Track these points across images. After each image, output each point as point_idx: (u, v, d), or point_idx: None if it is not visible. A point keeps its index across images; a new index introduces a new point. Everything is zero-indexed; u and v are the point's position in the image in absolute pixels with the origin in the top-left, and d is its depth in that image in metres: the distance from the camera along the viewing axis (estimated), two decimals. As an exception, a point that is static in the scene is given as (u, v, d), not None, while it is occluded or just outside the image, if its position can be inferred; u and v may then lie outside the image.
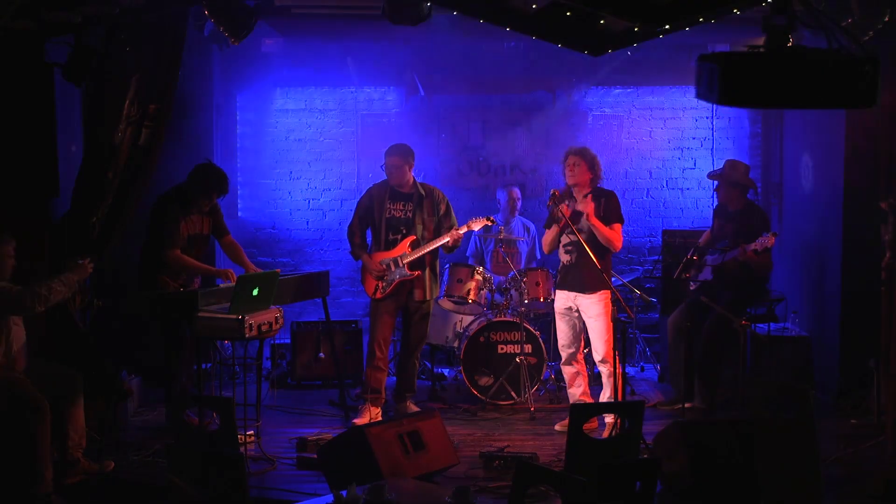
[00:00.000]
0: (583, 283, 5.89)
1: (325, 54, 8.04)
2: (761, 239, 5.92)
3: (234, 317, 5.01)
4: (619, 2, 4.52)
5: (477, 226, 6.33)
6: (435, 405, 6.54)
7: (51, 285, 4.70)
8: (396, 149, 6.26)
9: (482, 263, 7.47)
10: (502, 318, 6.72)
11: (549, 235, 6.08)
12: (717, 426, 5.02)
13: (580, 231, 5.77)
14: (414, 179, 6.31)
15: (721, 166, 6.73)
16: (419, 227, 6.22)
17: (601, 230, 5.83)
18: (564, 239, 5.99)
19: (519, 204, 7.71)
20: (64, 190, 5.66)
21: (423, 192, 6.26)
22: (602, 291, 5.86)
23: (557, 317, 6.10)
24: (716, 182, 6.62)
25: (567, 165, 5.98)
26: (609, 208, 5.94)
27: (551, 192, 5.94)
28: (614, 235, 5.89)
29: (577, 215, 5.88)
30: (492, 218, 6.38)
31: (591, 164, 5.94)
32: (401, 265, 6.16)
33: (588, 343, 6.13)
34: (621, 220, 5.98)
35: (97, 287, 5.98)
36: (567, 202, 5.93)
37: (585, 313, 5.94)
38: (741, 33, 6.95)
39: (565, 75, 8.33)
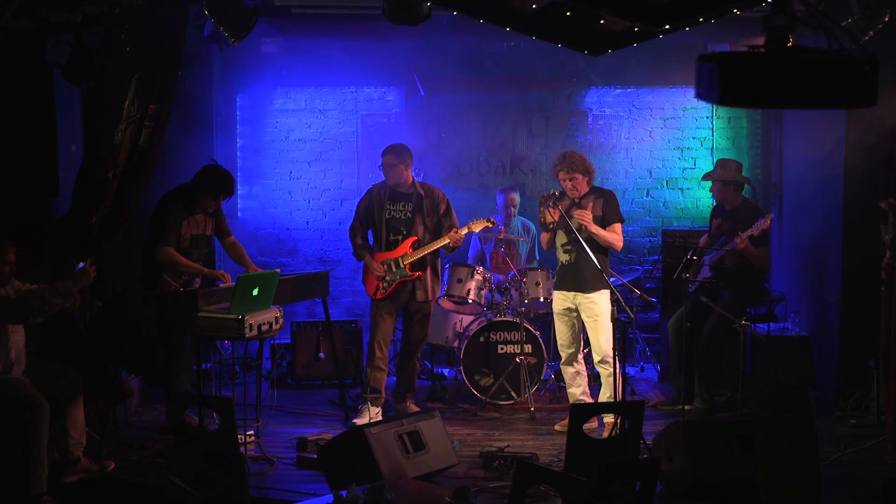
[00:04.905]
0: (582, 282, 5.89)
1: (325, 54, 8.04)
2: (757, 223, 5.94)
3: (234, 317, 5.01)
4: (619, 2, 4.51)
5: (478, 227, 6.33)
6: (435, 405, 6.54)
7: (45, 297, 4.62)
8: (392, 148, 6.28)
9: (483, 263, 7.47)
10: (502, 318, 6.72)
11: (545, 235, 6.08)
12: (717, 426, 5.03)
13: (578, 231, 5.76)
14: (413, 179, 6.31)
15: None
16: (420, 228, 6.21)
17: (601, 235, 5.82)
18: (563, 238, 5.98)
19: (513, 211, 7.63)
20: (64, 190, 5.66)
21: (421, 193, 6.26)
22: (601, 291, 5.85)
23: (556, 317, 6.09)
24: (711, 183, 6.64)
25: (561, 182, 5.92)
26: (608, 208, 5.93)
27: (549, 193, 5.90)
28: (614, 237, 5.88)
29: (570, 215, 5.85)
30: (492, 219, 6.38)
31: (585, 170, 5.90)
32: (402, 266, 6.16)
33: (587, 343, 6.12)
34: (621, 220, 5.97)
35: (97, 287, 5.97)
36: (558, 204, 5.87)
37: (584, 313, 5.94)
38: (741, 33, 6.96)
39: (565, 75, 8.34)
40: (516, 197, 7.68)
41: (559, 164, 5.92)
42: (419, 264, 6.19)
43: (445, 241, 6.16)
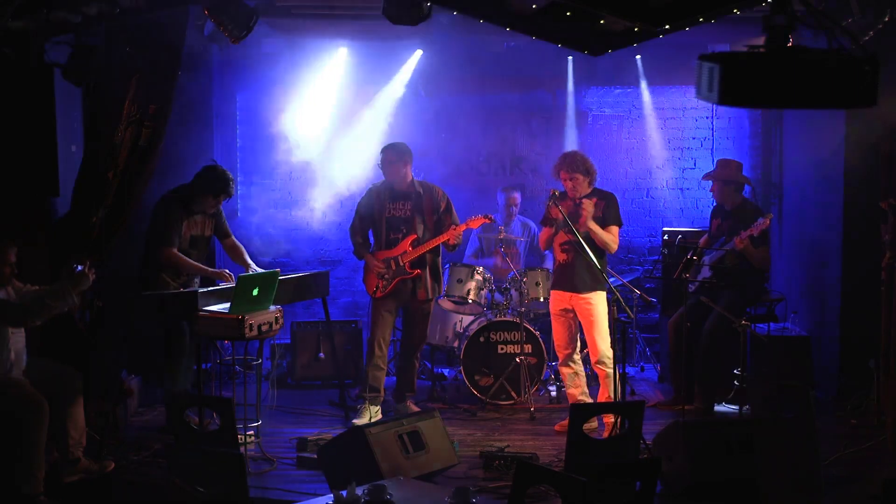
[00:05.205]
0: (579, 283, 5.89)
1: (325, 54, 8.03)
2: (756, 223, 5.95)
3: (234, 317, 5.01)
4: (619, 2, 4.51)
5: (476, 224, 6.35)
6: (435, 405, 6.53)
7: (44, 301, 4.60)
8: (391, 146, 6.29)
9: (483, 263, 7.47)
10: (502, 318, 6.71)
11: (545, 234, 6.09)
12: (717, 426, 5.03)
13: (578, 231, 5.76)
14: (412, 178, 6.31)
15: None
16: (419, 226, 6.22)
17: (598, 233, 5.83)
18: (561, 238, 5.98)
19: (514, 210, 7.68)
20: (64, 190, 5.65)
21: (421, 191, 6.26)
22: (597, 292, 5.86)
23: (553, 318, 6.09)
24: (711, 183, 6.64)
25: (563, 182, 5.94)
26: (608, 211, 5.93)
27: (551, 192, 5.93)
28: (611, 237, 5.89)
29: (574, 216, 5.85)
30: (490, 216, 6.38)
31: (586, 171, 5.91)
32: (401, 264, 6.16)
33: (585, 344, 6.12)
34: (619, 224, 5.98)
35: (97, 287, 5.97)
36: (562, 204, 5.88)
37: (581, 314, 5.94)
38: (741, 33, 6.95)
39: (565, 75, 8.33)
40: (518, 196, 7.69)
41: (560, 163, 5.93)
42: (418, 262, 6.19)
43: (444, 237, 6.16)
